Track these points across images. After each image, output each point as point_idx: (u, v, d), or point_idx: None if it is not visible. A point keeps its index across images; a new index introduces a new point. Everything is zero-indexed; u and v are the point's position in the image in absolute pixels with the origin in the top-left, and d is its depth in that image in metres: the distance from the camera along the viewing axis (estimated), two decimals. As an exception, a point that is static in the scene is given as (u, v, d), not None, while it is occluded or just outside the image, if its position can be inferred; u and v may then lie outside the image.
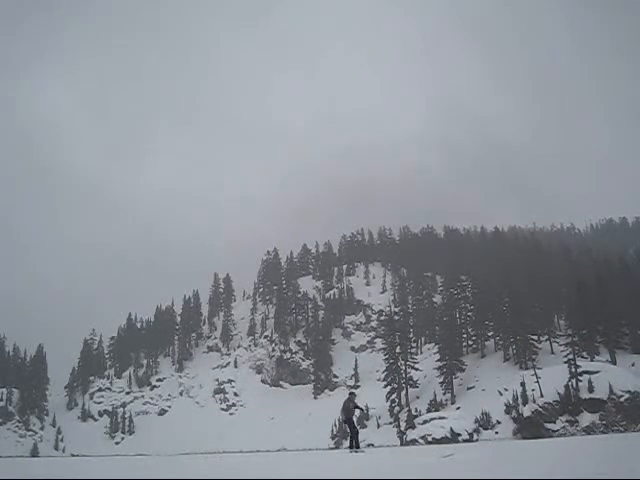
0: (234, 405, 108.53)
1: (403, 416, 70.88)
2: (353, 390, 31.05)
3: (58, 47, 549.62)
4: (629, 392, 53.58)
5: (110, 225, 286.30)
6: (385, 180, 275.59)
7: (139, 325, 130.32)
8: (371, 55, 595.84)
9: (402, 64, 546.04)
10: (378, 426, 74.95)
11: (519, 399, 58.59)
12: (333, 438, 79.46)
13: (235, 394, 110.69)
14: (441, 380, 74.83)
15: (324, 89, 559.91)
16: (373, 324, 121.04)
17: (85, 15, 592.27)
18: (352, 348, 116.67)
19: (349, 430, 21.54)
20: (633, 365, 62.80)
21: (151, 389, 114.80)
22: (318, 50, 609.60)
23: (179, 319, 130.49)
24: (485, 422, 59.38)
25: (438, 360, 76.54)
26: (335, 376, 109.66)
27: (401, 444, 63.64)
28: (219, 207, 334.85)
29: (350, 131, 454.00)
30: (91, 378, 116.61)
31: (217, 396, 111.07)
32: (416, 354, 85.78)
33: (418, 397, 75.86)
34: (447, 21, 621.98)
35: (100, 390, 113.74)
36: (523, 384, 58.63)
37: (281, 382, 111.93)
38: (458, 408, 67.32)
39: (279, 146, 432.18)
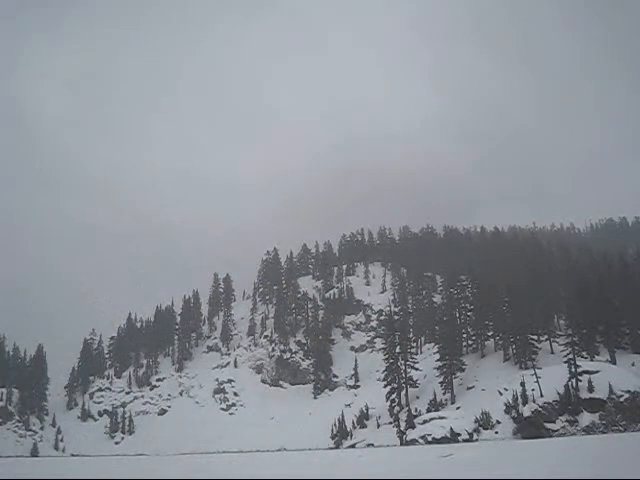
0: (234, 405, 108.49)
1: (403, 416, 70.82)
2: None
3: (55, 34, 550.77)
4: (629, 392, 53.62)
5: (108, 219, 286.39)
6: (387, 175, 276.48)
7: (139, 325, 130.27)
8: (372, 49, 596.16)
9: (403, 60, 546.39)
10: (378, 426, 74.93)
11: (519, 399, 58.53)
12: (333, 438, 79.48)
13: (235, 394, 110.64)
14: (441, 380, 74.74)
15: (325, 85, 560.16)
16: (373, 324, 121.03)
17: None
18: (352, 348, 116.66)
19: None
20: (633, 365, 62.80)
21: (151, 389, 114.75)
22: (319, 41, 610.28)
23: (179, 319, 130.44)
24: (485, 422, 59.34)
25: (438, 360, 76.44)
26: (335, 376, 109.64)
27: (401, 444, 63.69)
28: (217, 208, 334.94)
29: (352, 125, 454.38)
30: (91, 378, 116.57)
31: (217, 396, 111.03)
32: (416, 354, 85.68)
33: (418, 397, 75.79)
34: (449, 18, 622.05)
35: (100, 390, 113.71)
36: (523, 384, 58.60)
37: (281, 382, 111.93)
38: (458, 408, 67.30)
39: (279, 142, 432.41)
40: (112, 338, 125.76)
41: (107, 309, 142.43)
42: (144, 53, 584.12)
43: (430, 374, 77.88)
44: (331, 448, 74.43)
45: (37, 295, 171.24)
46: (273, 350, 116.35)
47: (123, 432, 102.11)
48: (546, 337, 73.26)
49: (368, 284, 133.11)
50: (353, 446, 72.29)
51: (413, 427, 64.35)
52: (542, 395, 56.81)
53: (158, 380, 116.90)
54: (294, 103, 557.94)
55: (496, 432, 57.63)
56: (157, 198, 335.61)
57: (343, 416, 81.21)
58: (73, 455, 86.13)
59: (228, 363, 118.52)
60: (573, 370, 56.56)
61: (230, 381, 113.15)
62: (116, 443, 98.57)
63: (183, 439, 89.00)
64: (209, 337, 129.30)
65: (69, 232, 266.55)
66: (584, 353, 64.17)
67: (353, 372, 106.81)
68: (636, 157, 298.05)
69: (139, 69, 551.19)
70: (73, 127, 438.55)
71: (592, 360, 62.64)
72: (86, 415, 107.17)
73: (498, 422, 58.90)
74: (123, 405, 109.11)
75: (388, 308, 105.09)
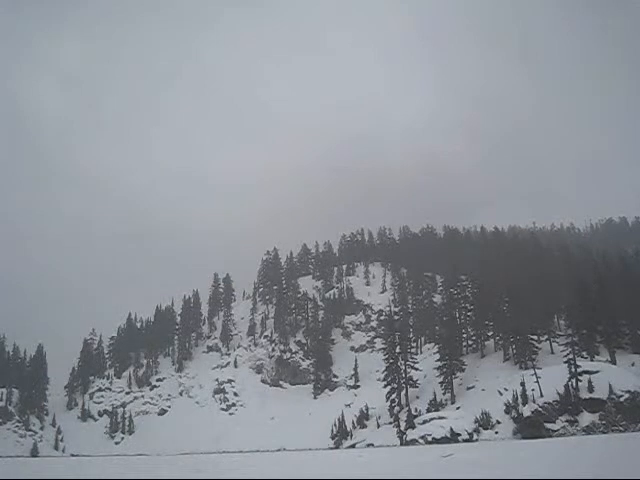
0: (234, 405, 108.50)
1: (403, 416, 70.76)
2: None
3: (54, 34, 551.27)
4: (629, 392, 53.58)
5: (108, 218, 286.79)
6: (388, 175, 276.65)
7: (139, 325, 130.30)
8: (372, 49, 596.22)
9: (404, 60, 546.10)
10: (378, 426, 74.89)
11: (519, 399, 58.52)
12: (333, 438, 79.47)
13: (235, 394, 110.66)
14: (441, 380, 74.66)
15: (325, 85, 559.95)
16: (373, 324, 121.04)
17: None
18: (352, 348, 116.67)
19: None
20: (633, 365, 62.73)
21: (151, 389, 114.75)
22: (319, 41, 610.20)
23: (179, 319, 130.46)
24: (485, 422, 59.30)
25: (438, 360, 76.39)
26: (335, 376, 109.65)
27: (401, 444, 63.60)
28: (217, 207, 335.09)
29: (352, 125, 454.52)
30: (91, 378, 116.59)
31: (217, 396, 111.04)
32: (416, 354, 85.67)
33: (418, 397, 75.73)
34: (449, 18, 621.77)
35: (100, 390, 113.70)
36: (523, 384, 58.57)
37: (281, 382, 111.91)
38: (458, 408, 67.26)
39: (279, 142, 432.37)
40: (112, 338, 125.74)
41: (107, 309, 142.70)
42: (144, 53, 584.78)
43: (430, 374, 77.81)
44: (331, 448, 74.36)
45: (37, 295, 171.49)
46: (273, 350, 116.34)
47: (123, 432, 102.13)
48: (546, 337, 73.20)
49: (368, 284, 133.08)
50: (353, 446, 72.20)
51: (413, 427, 64.28)
52: (542, 395, 56.77)
53: (158, 380, 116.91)
54: (294, 103, 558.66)
55: (496, 432, 57.59)
56: (157, 198, 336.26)
57: (343, 416, 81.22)
58: (73, 455, 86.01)
59: (228, 363, 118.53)
60: (573, 370, 56.51)
61: (230, 381, 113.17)
62: (116, 443, 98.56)
63: (183, 439, 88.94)
64: (209, 337, 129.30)
65: (69, 232, 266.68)
66: (584, 353, 64.10)
67: (353, 372, 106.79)
68: (636, 157, 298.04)
69: (139, 69, 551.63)
70: (73, 127, 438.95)
71: (592, 360, 62.56)
72: (86, 415, 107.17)
73: (498, 422, 58.86)
74: (123, 405, 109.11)
75: (388, 308, 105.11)
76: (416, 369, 76.80)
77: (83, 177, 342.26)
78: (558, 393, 56.04)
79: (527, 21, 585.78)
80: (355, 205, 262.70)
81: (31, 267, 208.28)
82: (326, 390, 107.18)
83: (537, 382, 57.31)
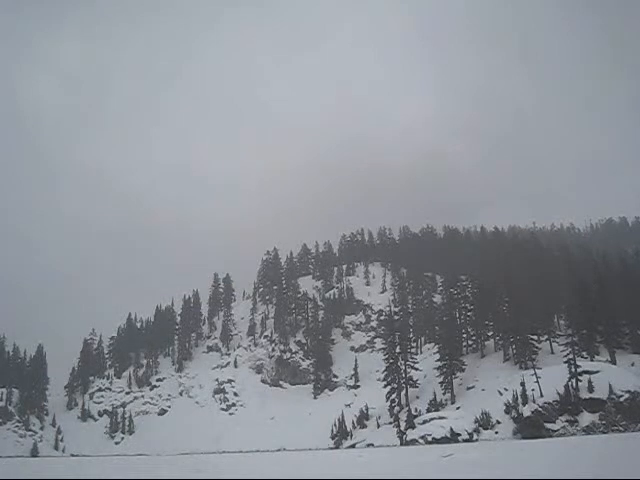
0: (234, 405, 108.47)
1: (403, 416, 70.74)
2: None
3: (54, 33, 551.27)
4: (629, 392, 53.57)
5: (108, 218, 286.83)
6: (387, 175, 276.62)
7: (139, 325, 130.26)
8: (372, 48, 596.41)
9: (404, 60, 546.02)
10: (378, 426, 74.87)
11: (519, 399, 58.49)
12: (333, 438, 79.45)
13: (235, 394, 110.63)
14: (441, 380, 74.65)
15: (325, 85, 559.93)
16: (373, 324, 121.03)
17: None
18: (352, 348, 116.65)
19: None
20: (633, 365, 62.73)
21: (151, 389, 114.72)
22: (319, 40, 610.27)
23: (179, 319, 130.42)
24: (485, 422, 59.28)
25: (438, 360, 76.37)
26: (335, 376, 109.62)
27: (401, 444, 63.57)
28: (217, 207, 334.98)
29: (352, 125, 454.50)
30: (91, 378, 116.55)
31: (217, 396, 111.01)
32: (416, 354, 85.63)
33: (418, 397, 75.71)
34: (449, 18, 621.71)
35: (100, 390, 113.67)
36: (523, 384, 58.55)
37: (281, 382, 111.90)
38: (458, 408, 67.24)
39: (279, 142, 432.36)
40: (112, 338, 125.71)
41: (107, 309, 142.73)
42: (144, 53, 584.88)
43: (430, 374, 77.79)
44: (331, 448, 74.35)
45: (37, 295, 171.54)
46: (273, 350, 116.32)
47: (123, 432, 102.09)
48: (546, 337, 73.16)
49: (368, 284, 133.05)
50: (353, 446, 72.18)
51: (413, 427, 64.25)
52: (542, 395, 56.75)
53: (158, 380, 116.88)
54: (294, 103, 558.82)
55: (496, 432, 57.56)
56: (157, 198, 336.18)
57: (343, 416, 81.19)
58: (73, 455, 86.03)
59: (228, 363, 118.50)
60: (573, 370, 56.49)
61: (230, 381, 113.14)
62: (116, 443, 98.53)
63: (183, 439, 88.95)
64: (209, 337, 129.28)
65: (69, 232, 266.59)
66: (584, 353, 64.07)
67: (353, 372, 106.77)
68: (636, 157, 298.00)
69: (139, 69, 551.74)
70: (73, 127, 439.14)
71: (592, 360, 62.53)
72: (86, 415, 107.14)
73: (498, 422, 58.82)
74: (123, 405, 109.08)
75: (388, 308, 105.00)
76: (416, 369, 76.77)
77: (83, 177, 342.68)
78: (558, 393, 56.02)
79: (527, 21, 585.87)
80: (355, 205, 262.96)
81: (31, 267, 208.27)
82: (326, 390, 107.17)
83: (537, 382, 57.28)
